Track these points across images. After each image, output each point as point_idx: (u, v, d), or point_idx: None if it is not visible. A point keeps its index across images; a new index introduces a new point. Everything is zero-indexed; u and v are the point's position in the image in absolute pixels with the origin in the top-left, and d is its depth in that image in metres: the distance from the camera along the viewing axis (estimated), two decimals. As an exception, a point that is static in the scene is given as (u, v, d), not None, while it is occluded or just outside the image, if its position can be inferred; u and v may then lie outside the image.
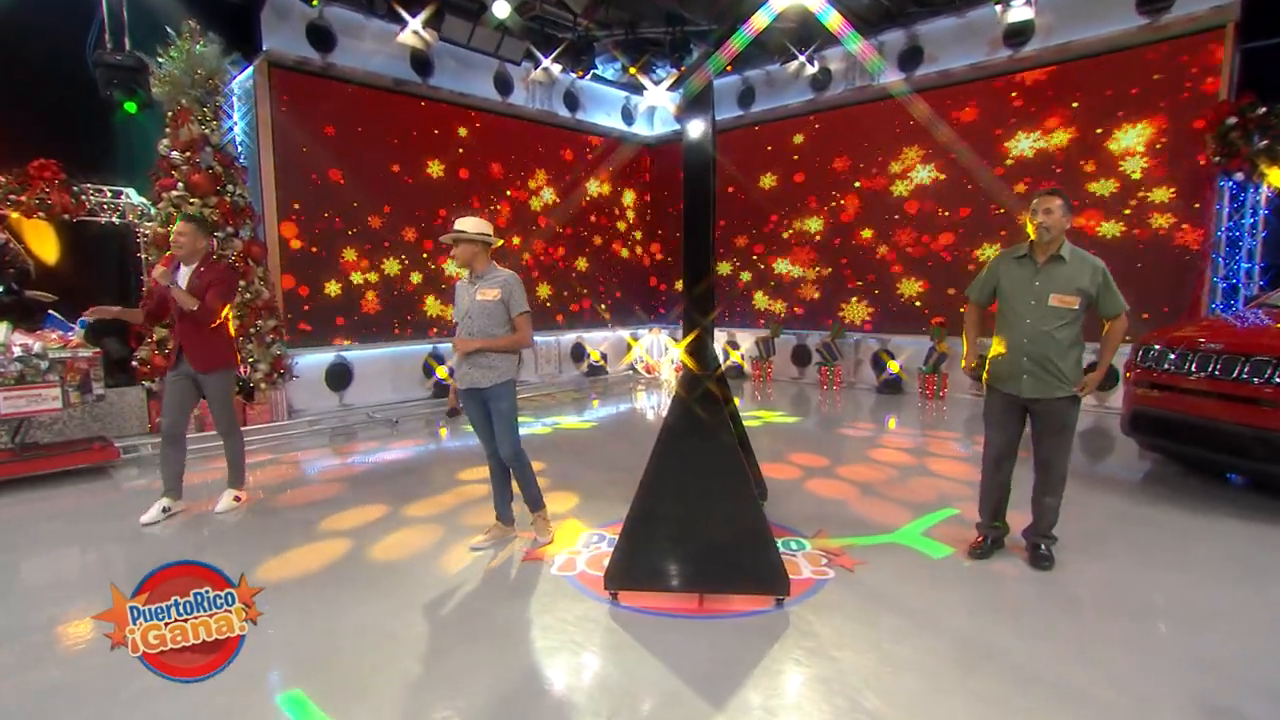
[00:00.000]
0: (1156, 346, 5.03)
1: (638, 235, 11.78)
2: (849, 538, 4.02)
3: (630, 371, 11.35)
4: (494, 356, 3.69)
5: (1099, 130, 7.49)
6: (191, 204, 6.48)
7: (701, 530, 3.12)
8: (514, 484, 4.02)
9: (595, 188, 10.87)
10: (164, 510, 4.39)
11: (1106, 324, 3.53)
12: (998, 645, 2.85)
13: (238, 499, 4.70)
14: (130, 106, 6.18)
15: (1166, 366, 4.88)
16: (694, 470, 3.15)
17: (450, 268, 8.83)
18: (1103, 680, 2.61)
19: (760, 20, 7.45)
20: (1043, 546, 3.65)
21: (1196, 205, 6.97)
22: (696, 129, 3.14)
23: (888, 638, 2.90)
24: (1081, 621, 3.09)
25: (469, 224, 3.69)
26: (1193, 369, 4.69)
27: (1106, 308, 3.48)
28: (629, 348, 11.64)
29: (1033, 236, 3.49)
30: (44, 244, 6.24)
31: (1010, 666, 2.69)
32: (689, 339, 3.25)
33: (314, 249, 7.86)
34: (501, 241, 4.51)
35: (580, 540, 4.03)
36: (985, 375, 3.74)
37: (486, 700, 2.51)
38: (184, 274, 4.37)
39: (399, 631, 3.00)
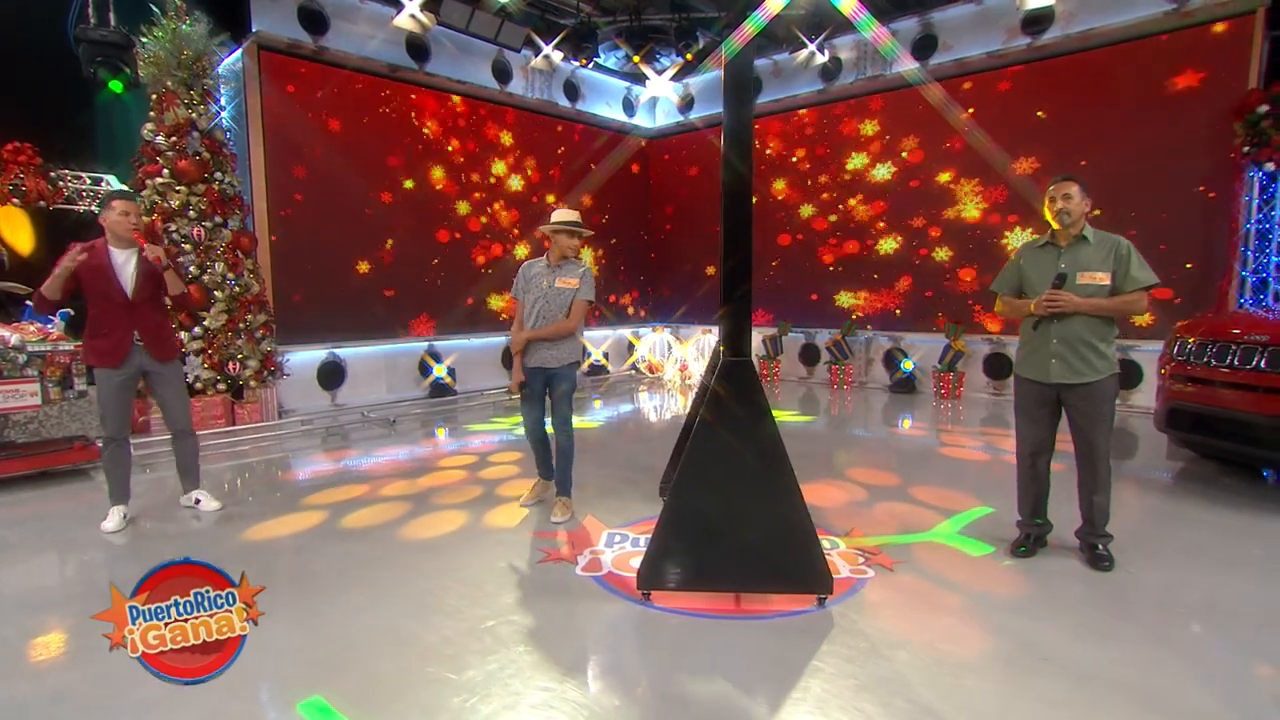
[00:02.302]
0: (1193, 340, 4.81)
1: (638, 228, 11.52)
2: (883, 536, 3.86)
3: (632, 371, 11.06)
4: (560, 340, 3.96)
5: (1121, 119, 7.27)
6: (178, 191, 6.16)
7: (739, 526, 2.93)
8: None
9: (596, 180, 10.58)
10: (125, 517, 4.05)
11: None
12: (1057, 646, 2.68)
13: (199, 500, 4.38)
14: (116, 85, 5.83)
15: (1207, 360, 4.67)
16: (732, 463, 2.94)
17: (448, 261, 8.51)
18: (1175, 682, 2.45)
19: (774, 3, 7.22)
20: (1100, 546, 3.48)
21: (1212, 195, 6.77)
22: (737, 108, 2.89)
23: (941, 638, 2.74)
24: (1141, 622, 2.91)
25: (574, 216, 3.99)
26: (1235, 362, 4.49)
27: (1127, 283, 3.27)
28: (630, 347, 11.35)
29: (1053, 225, 3.38)
30: (18, 232, 5.89)
31: (1074, 668, 2.53)
32: (726, 326, 2.99)
33: (303, 240, 7.53)
34: (591, 234, 4.77)
35: (602, 540, 3.82)
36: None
37: (524, 706, 2.32)
38: (126, 256, 3.90)
39: (421, 634, 2.79)
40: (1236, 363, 4.46)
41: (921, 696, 2.34)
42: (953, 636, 2.75)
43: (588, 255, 10.53)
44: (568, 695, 2.39)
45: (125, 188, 5.83)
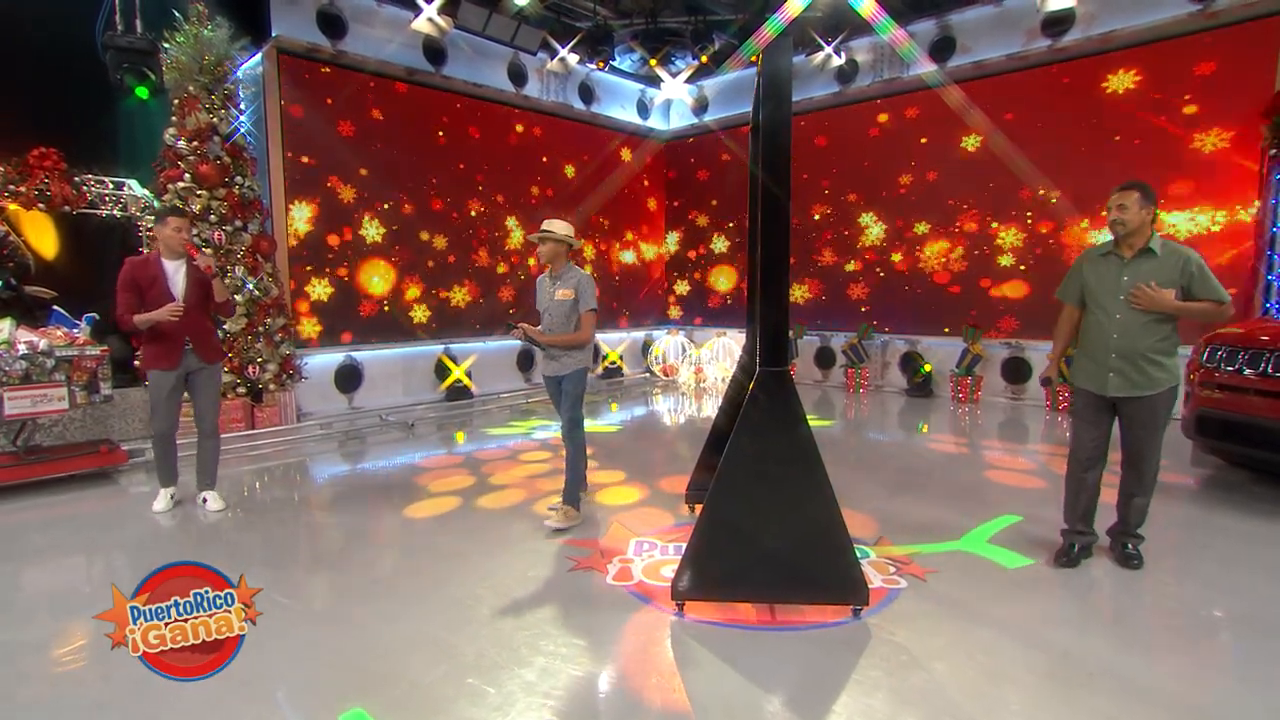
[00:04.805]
0: (1224, 347, 4.76)
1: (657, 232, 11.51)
2: (912, 545, 3.83)
3: (647, 374, 11.05)
4: (567, 350, 4.05)
5: (1144, 123, 7.20)
6: (199, 196, 6.19)
7: (775, 537, 2.90)
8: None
9: (609, 184, 10.56)
10: (172, 499, 4.47)
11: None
12: (1100, 659, 2.65)
13: (206, 499, 4.55)
14: (142, 91, 5.91)
15: (1237, 367, 4.62)
16: (768, 474, 2.91)
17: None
18: (1224, 696, 2.42)
19: (794, 6, 7.19)
20: (1129, 545, 3.49)
21: (1237, 199, 6.69)
22: (775, 108, 2.85)
23: (981, 650, 2.72)
24: (1182, 634, 2.88)
25: (557, 225, 4.02)
26: (1267, 369, 4.44)
27: (1202, 294, 3.23)
28: (645, 349, 11.33)
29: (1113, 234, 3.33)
30: (43, 237, 5.92)
31: (1121, 682, 2.50)
32: (763, 334, 2.97)
33: (322, 243, 7.56)
34: (582, 243, 4.87)
35: (630, 548, 3.80)
36: (1067, 373, 3.60)
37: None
38: (175, 266, 4.24)
39: (456, 644, 2.79)
40: (1269, 370, 4.42)
41: (966, 711, 2.32)
42: (993, 649, 2.72)
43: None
44: (605, 710, 2.38)
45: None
